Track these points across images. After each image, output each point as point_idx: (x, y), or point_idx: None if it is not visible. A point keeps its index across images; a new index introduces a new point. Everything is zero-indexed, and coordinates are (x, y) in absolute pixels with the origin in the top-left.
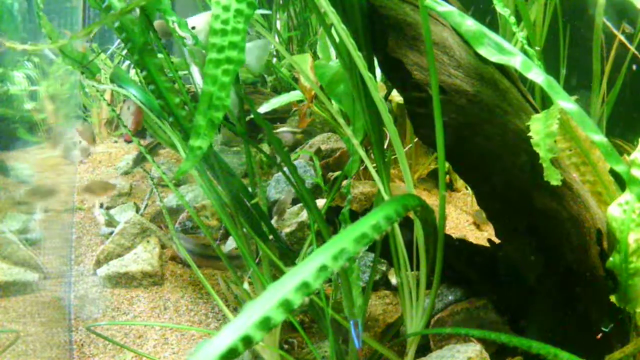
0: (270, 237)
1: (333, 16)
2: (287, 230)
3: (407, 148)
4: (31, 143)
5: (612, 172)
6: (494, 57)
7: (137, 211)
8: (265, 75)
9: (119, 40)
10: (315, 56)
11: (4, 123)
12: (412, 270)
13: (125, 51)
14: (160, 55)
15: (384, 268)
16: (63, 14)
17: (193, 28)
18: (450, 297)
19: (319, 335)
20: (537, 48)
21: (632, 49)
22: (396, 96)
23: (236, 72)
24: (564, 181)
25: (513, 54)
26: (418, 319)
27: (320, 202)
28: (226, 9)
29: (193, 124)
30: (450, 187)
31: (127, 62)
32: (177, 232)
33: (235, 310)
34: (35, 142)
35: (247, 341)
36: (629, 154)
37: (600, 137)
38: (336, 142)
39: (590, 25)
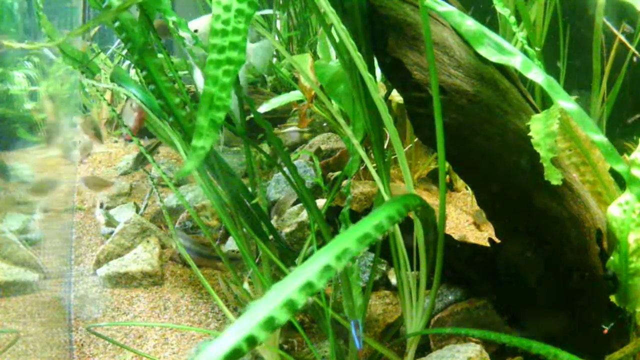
0: (270, 237)
1: (333, 16)
2: (287, 230)
3: (407, 148)
4: (31, 143)
5: (612, 172)
6: (494, 57)
7: (137, 211)
8: (265, 75)
9: (118, 41)
10: (315, 56)
11: (4, 123)
12: (412, 270)
13: (125, 51)
14: (160, 55)
15: (384, 268)
16: (63, 13)
17: (195, 31)
18: (450, 297)
19: (319, 335)
20: (537, 49)
21: (633, 48)
22: (396, 96)
23: (237, 72)
24: (564, 181)
25: (513, 54)
26: (418, 319)
27: (320, 202)
28: (227, 9)
29: (195, 124)
30: (450, 187)
31: (127, 62)
32: (177, 230)
33: (235, 310)
34: (35, 142)
35: (252, 341)
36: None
37: (600, 137)
38: (336, 142)
39: (590, 25)
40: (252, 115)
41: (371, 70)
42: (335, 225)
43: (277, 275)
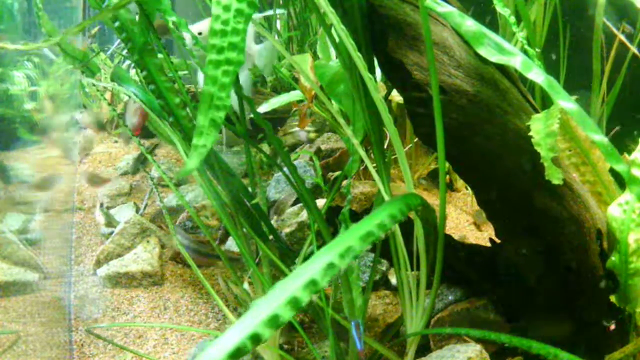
0: (270, 237)
1: (333, 16)
2: (287, 230)
3: (407, 148)
4: (31, 143)
5: (612, 172)
6: (494, 57)
7: (137, 211)
8: (265, 75)
9: (118, 41)
10: (315, 56)
11: (4, 123)
12: (412, 270)
13: (125, 51)
14: (160, 55)
15: (384, 268)
16: (63, 14)
17: (200, 34)
18: (450, 297)
19: (319, 335)
20: (537, 49)
21: (633, 48)
22: (396, 96)
23: (236, 72)
24: (564, 181)
25: (513, 54)
26: (418, 319)
27: (320, 202)
28: (227, 9)
29: (196, 124)
30: (450, 187)
31: (127, 62)
32: (176, 227)
33: (235, 310)
34: (35, 141)
35: (256, 339)
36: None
37: (600, 137)
38: (336, 142)
39: (590, 25)
40: (252, 115)
41: (371, 70)
42: (336, 225)
43: (277, 275)
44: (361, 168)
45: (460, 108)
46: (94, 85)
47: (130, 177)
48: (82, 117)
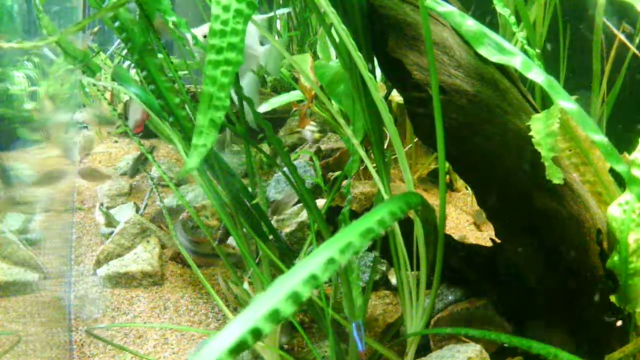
0: (270, 237)
1: (333, 16)
2: (287, 230)
3: (407, 148)
4: (31, 143)
5: (612, 172)
6: (494, 57)
7: (137, 211)
8: (265, 75)
9: (118, 41)
10: (315, 56)
11: (4, 123)
12: (412, 270)
13: (125, 51)
14: (160, 55)
15: (384, 268)
16: (63, 14)
17: (205, 37)
18: (450, 297)
19: (319, 335)
20: (537, 50)
21: (633, 48)
22: (396, 96)
23: (235, 73)
24: (564, 181)
25: (513, 53)
26: (418, 319)
27: (320, 202)
28: (226, 9)
29: (195, 124)
30: (450, 187)
31: (127, 63)
32: (177, 224)
33: (236, 310)
34: (36, 141)
35: (257, 333)
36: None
37: (600, 137)
38: (336, 142)
39: (590, 25)
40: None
41: (371, 70)
42: (336, 225)
43: (277, 275)
44: (361, 168)
45: (460, 108)
46: (94, 85)
47: (130, 178)
48: (82, 115)
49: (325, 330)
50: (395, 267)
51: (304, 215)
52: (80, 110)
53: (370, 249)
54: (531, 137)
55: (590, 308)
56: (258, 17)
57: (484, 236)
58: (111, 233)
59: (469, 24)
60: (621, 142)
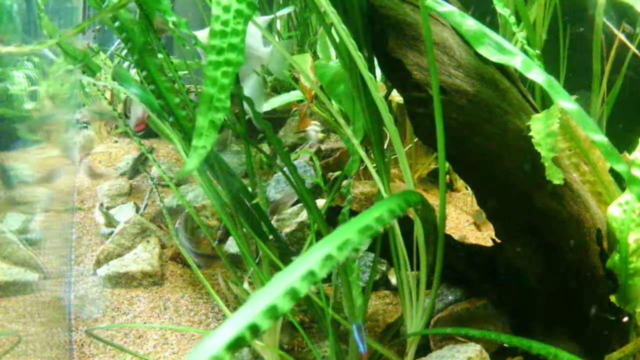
0: (270, 237)
1: (333, 16)
2: (287, 230)
3: (407, 148)
4: (31, 143)
5: (612, 172)
6: (495, 56)
7: (137, 211)
8: (265, 75)
9: (117, 42)
10: (315, 56)
11: (4, 123)
12: (412, 270)
13: (124, 52)
14: (160, 55)
15: (384, 268)
16: (63, 14)
17: None
18: (450, 297)
19: (319, 335)
20: (537, 51)
21: (633, 48)
22: (396, 96)
23: (235, 73)
24: (564, 181)
25: (513, 53)
26: (418, 319)
27: (320, 202)
28: (226, 9)
29: (195, 125)
30: (450, 187)
31: (126, 63)
32: (181, 220)
33: (236, 310)
34: (36, 141)
35: (254, 330)
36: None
37: (600, 137)
38: (336, 142)
39: (590, 25)
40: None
41: (371, 70)
42: (336, 225)
43: None
44: (361, 168)
45: (460, 108)
46: (94, 85)
47: (129, 179)
48: (82, 114)
49: (325, 330)
50: (395, 267)
51: (304, 215)
52: (80, 110)
53: (370, 249)
54: (531, 137)
55: (590, 308)
56: (261, 19)
57: (484, 236)
58: (111, 233)
59: (469, 23)
60: (621, 142)
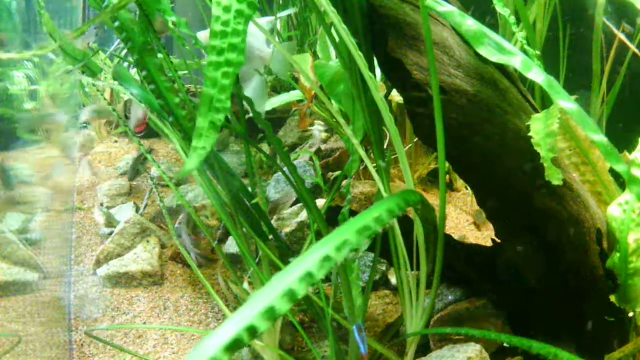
0: (270, 237)
1: (334, 16)
2: (287, 230)
3: (407, 148)
4: (31, 143)
5: (612, 172)
6: (495, 57)
7: (137, 211)
8: (265, 75)
9: (116, 43)
10: (315, 56)
11: (4, 123)
12: (412, 270)
13: (123, 52)
14: (160, 55)
15: (384, 268)
16: (63, 13)
17: None
18: (450, 297)
19: (319, 335)
20: (537, 52)
21: (633, 48)
22: (396, 96)
23: (236, 74)
24: (564, 181)
25: (513, 53)
26: (418, 319)
27: (320, 202)
28: (227, 10)
29: (196, 125)
30: (450, 187)
31: (126, 64)
32: (181, 226)
33: (235, 310)
34: (36, 141)
35: (252, 331)
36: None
37: (600, 137)
38: (336, 142)
39: (590, 25)
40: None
41: (371, 69)
42: (337, 225)
43: None
44: (361, 168)
45: (460, 108)
46: (94, 85)
47: (130, 180)
48: (84, 114)
49: (325, 330)
50: (395, 267)
51: (304, 215)
52: (82, 110)
53: (370, 249)
54: (531, 137)
55: (590, 308)
56: (264, 20)
57: (484, 236)
58: (111, 233)
59: (469, 24)
60: (621, 142)
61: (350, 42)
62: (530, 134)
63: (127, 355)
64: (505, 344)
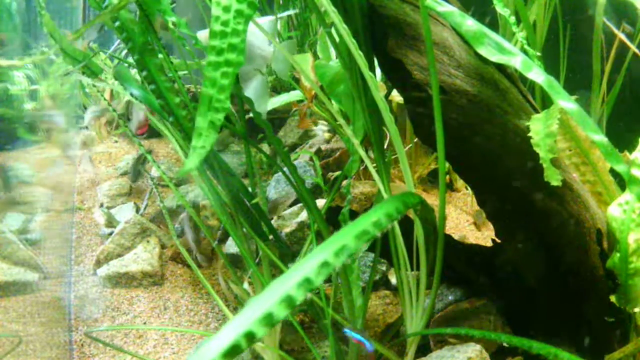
0: (270, 237)
1: (334, 15)
2: (287, 230)
3: (407, 148)
4: (31, 143)
5: (612, 172)
6: (495, 56)
7: (137, 211)
8: (266, 75)
9: (116, 43)
10: (315, 56)
11: (4, 123)
12: (412, 270)
13: (123, 53)
14: (160, 55)
15: (384, 268)
16: (63, 13)
17: None
18: (450, 297)
19: (319, 335)
20: (538, 53)
21: (633, 47)
22: (396, 96)
23: (235, 74)
24: (564, 181)
25: (513, 53)
26: (418, 319)
27: (320, 202)
28: (226, 9)
29: (195, 125)
30: (450, 187)
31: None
32: (184, 220)
33: (235, 310)
34: (36, 141)
35: (250, 337)
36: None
37: (600, 137)
38: (336, 142)
39: (590, 25)
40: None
41: (371, 69)
42: (336, 225)
43: (277, 276)
44: (361, 168)
45: (460, 108)
46: (94, 85)
47: (132, 182)
48: (87, 115)
49: (325, 330)
50: (395, 267)
51: (304, 215)
52: (80, 109)
53: (370, 249)
54: (531, 137)
55: (590, 308)
56: (264, 20)
57: (484, 236)
58: (111, 233)
59: (469, 23)
60: (621, 142)
61: (351, 42)
62: (530, 134)
63: (127, 355)
64: (505, 344)
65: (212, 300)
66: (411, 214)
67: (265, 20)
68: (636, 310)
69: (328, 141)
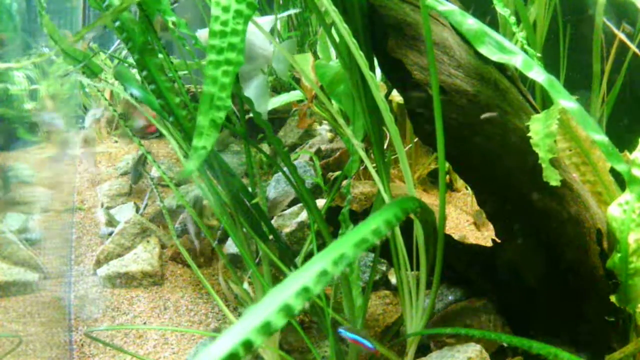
0: (270, 237)
1: (335, 15)
2: (287, 230)
3: (407, 148)
4: (31, 143)
5: (613, 172)
6: (495, 55)
7: (137, 211)
8: (266, 75)
9: (116, 44)
10: (315, 56)
11: (4, 123)
12: (412, 270)
13: (123, 53)
14: (160, 55)
15: (384, 268)
16: (63, 14)
17: None
18: (450, 297)
19: (319, 335)
20: (539, 54)
21: (633, 47)
22: (396, 96)
23: (235, 73)
24: (564, 181)
25: (514, 52)
26: (418, 319)
27: (320, 202)
28: (226, 9)
29: (196, 124)
30: (450, 187)
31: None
32: (187, 217)
33: (235, 310)
34: (36, 141)
35: (248, 345)
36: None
37: (601, 137)
38: (336, 142)
39: (590, 25)
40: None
41: (371, 69)
42: (336, 225)
43: (277, 275)
44: (361, 168)
45: (460, 108)
46: (94, 86)
47: (133, 184)
48: (88, 117)
49: (325, 330)
50: (395, 267)
51: (304, 215)
52: (81, 109)
53: (370, 250)
54: (530, 137)
55: (590, 308)
56: (264, 20)
57: (484, 236)
58: (111, 233)
59: (470, 22)
60: (621, 142)
61: (351, 42)
62: (529, 134)
63: (127, 356)
64: (505, 344)
65: (212, 300)
66: (411, 214)
67: (264, 21)
68: (637, 310)
69: (331, 141)
